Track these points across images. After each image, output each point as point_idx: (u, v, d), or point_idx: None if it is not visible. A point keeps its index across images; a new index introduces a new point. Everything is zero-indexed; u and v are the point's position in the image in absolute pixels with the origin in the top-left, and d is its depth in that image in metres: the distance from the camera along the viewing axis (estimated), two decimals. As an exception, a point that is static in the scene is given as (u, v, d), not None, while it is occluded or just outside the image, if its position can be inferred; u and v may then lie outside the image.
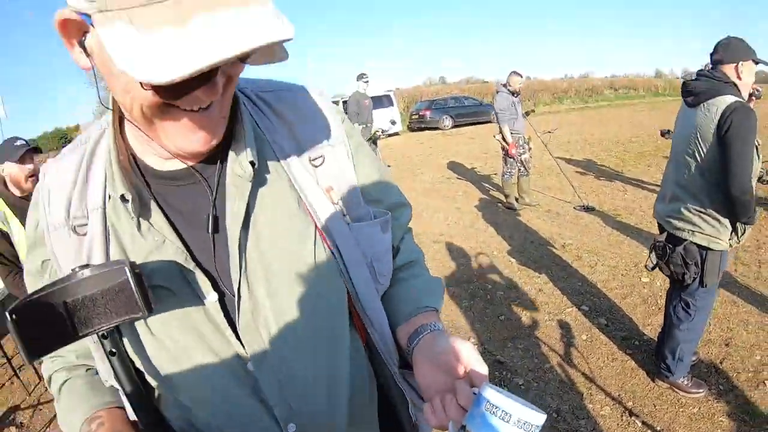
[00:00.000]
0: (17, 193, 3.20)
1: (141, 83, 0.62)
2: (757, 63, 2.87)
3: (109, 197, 0.83)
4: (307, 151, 0.94)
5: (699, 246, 2.95)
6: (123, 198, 0.80)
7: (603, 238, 6.37)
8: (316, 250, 0.90)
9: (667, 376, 3.26)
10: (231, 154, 0.86)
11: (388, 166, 13.17)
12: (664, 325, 3.35)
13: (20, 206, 3.16)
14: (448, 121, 25.41)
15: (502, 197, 8.55)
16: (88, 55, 0.69)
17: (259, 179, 0.87)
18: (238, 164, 0.85)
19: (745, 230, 2.91)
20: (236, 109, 0.87)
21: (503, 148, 8.00)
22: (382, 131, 10.76)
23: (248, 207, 0.85)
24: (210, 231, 0.85)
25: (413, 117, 26.33)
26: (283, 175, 0.90)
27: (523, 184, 8.22)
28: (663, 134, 7.24)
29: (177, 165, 0.85)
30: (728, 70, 2.84)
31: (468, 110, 26.77)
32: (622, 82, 46.51)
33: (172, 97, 0.68)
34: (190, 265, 0.82)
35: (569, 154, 12.89)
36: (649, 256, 3.28)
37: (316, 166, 0.94)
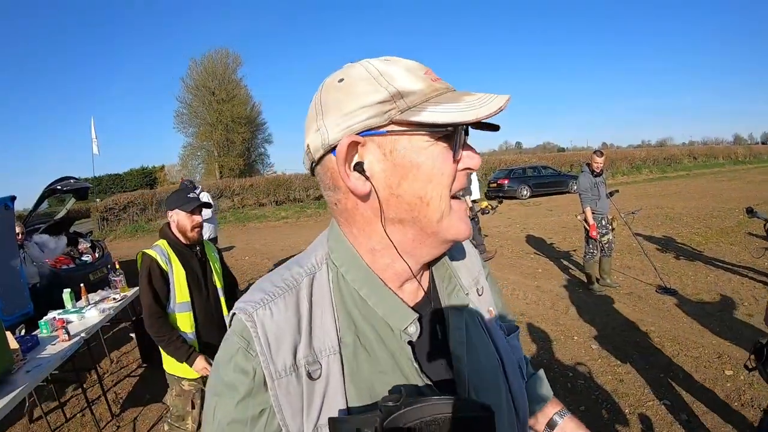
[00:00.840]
0: (182, 239, 3.45)
1: (452, 160, 0.85)
2: None
3: (340, 341, 0.88)
4: (474, 283, 1.11)
5: None
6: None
7: (685, 325, 6.30)
8: (495, 362, 1.04)
9: None
10: (440, 287, 1.02)
11: (485, 236, 13.29)
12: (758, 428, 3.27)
13: (182, 251, 3.44)
14: (526, 191, 25.44)
15: (583, 277, 8.55)
16: (366, 178, 0.84)
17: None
18: (455, 296, 1.01)
19: None
20: None
21: (586, 229, 8.07)
22: (492, 208, 10.88)
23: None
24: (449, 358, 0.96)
25: (491, 185, 26.44)
26: (468, 303, 1.04)
27: (604, 265, 8.19)
28: (748, 212, 7.17)
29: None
30: None
31: (546, 180, 26.77)
32: (701, 150, 45.42)
33: (460, 144, 0.86)
34: (427, 383, 0.90)
35: (650, 231, 12.74)
36: (750, 357, 3.24)
37: (480, 295, 1.11)
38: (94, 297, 5.95)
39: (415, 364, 0.89)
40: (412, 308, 0.94)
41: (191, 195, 3.48)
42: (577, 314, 7.05)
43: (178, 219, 3.41)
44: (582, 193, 7.96)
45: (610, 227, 8.07)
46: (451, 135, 0.83)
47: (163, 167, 51.01)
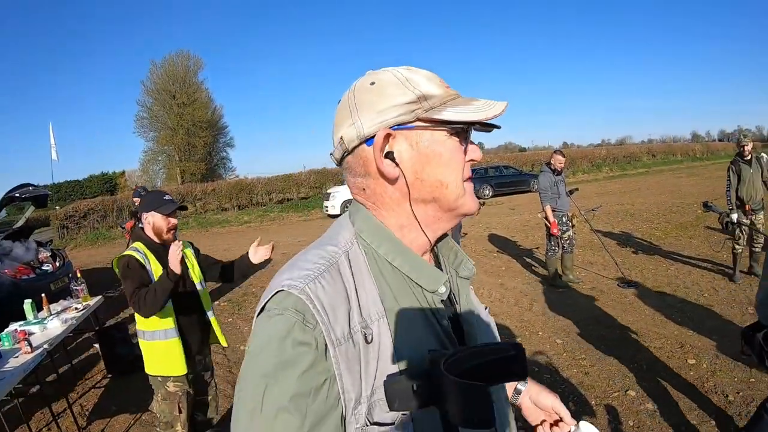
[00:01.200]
0: (156, 240, 3.45)
1: (464, 155, 1.02)
2: None
3: (384, 310, 0.97)
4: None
5: None
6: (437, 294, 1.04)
7: (647, 317, 6.44)
8: (486, 327, 1.23)
9: None
10: (444, 261, 1.18)
11: (465, 234, 13.32)
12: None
13: (157, 250, 3.42)
14: (488, 191, 25.55)
15: (545, 273, 8.68)
16: (396, 164, 0.99)
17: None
18: (464, 267, 1.18)
19: None
20: None
21: (547, 226, 8.19)
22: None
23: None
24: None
25: (453, 186, 26.51)
26: (473, 274, 1.22)
27: (566, 261, 8.33)
28: (704, 207, 7.38)
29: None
30: None
31: (508, 180, 27.03)
32: (659, 148, 46.35)
33: (467, 140, 1.04)
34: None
35: (611, 227, 12.98)
36: (742, 346, 3.27)
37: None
38: (56, 307, 5.80)
39: (446, 322, 1.04)
40: None
41: (167, 197, 3.47)
42: (541, 310, 7.16)
43: (154, 221, 3.41)
44: (542, 192, 8.10)
45: (571, 224, 8.23)
46: (462, 131, 1.01)
47: (123, 173, 49.98)
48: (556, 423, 1.31)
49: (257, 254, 3.60)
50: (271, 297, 0.94)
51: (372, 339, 0.93)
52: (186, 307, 3.47)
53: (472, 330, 1.12)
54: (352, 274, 0.98)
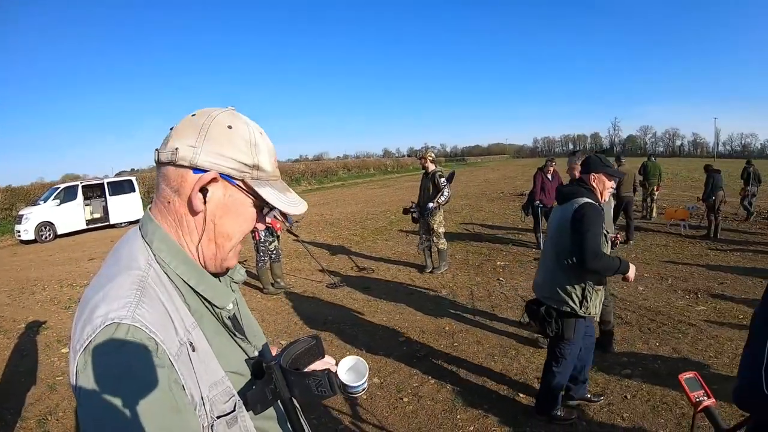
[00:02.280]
0: None
1: (257, 216, 1.18)
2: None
3: (194, 320, 1.08)
4: None
5: (554, 309, 3.69)
6: (226, 314, 1.20)
7: (357, 309, 7.01)
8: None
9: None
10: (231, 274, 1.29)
11: None
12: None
13: None
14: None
15: (258, 283, 8.73)
16: (204, 202, 1.09)
17: None
18: (237, 273, 1.30)
19: (591, 297, 3.62)
20: None
21: (254, 238, 8.29)
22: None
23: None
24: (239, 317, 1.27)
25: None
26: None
27: (275, 270, 8.52)
28: (405, 211, 8.28)
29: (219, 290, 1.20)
30: (587, 178, 3.68)
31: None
32: (354, 163, 49.77)
33: (262, 221, 1.21)
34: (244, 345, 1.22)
35: (313, 236, 13.62)
36: (523, 314, 4.02)
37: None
38: None
39: (229, 322, 1.19)
40: None
41: None
42: (259, 317, 7.19)
43: None
44: None
45: (276, 235, 8.44)
46: (262, 208, 1.18)
47: None
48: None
49: None
50: (99, 331, 0.92)
51: (194, 348, 1.03)
52: None
53: (249, 322, 1.32)
54: (161, 294, 1.04)
